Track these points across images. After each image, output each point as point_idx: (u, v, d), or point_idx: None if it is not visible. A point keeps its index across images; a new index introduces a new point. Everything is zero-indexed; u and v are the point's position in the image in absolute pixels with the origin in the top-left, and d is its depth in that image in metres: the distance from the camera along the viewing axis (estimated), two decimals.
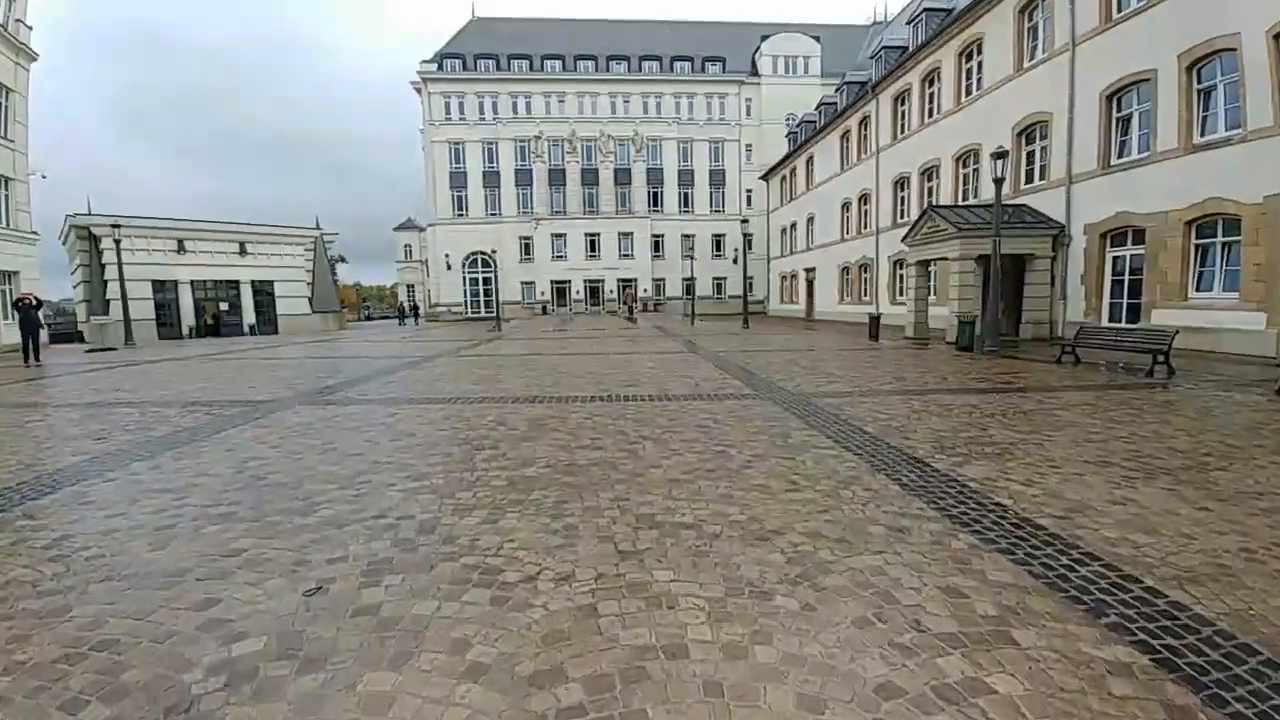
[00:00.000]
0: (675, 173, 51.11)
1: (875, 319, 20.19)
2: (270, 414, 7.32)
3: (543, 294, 49.02)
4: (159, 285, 31.71)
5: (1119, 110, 16.28)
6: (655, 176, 50.84)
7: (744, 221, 27.28)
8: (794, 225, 40.23)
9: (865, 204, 29.50)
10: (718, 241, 51.96)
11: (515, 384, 9.74)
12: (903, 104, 25.95)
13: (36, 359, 16.89)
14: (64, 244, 33.11)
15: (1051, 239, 17.59)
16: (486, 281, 48.21)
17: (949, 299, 17.75)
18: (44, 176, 28.34)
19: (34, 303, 16.88)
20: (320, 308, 37.49)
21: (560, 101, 49.72)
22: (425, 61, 48.84)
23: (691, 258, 42.48)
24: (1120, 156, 16.27)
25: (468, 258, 49.17)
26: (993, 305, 14.62)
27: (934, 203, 22.87)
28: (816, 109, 37.20)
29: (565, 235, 49.15)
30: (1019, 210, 18.29)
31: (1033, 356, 13.30)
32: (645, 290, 49.77)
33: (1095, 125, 16.63)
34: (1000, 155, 14.46)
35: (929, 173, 23.99)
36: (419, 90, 49.36)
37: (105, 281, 29.83)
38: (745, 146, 51.51)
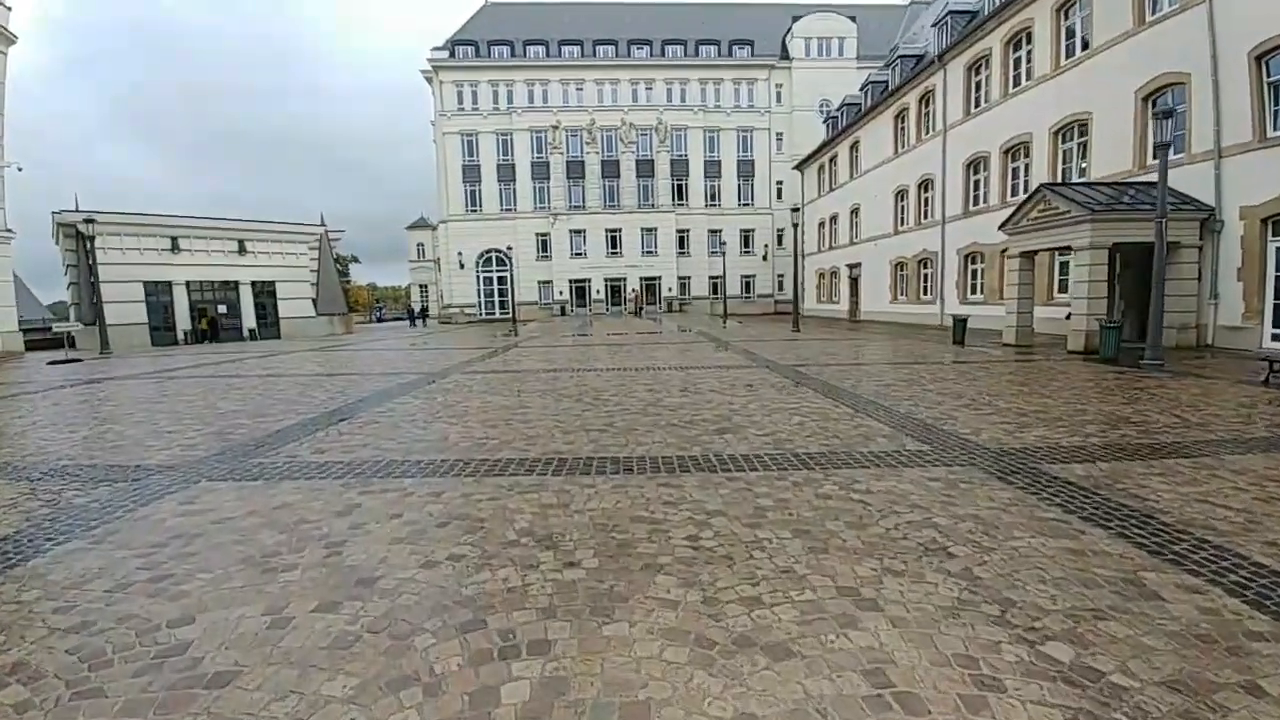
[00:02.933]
0: (701, 163, 47.84)
1: (961, 322, 16.97)
2: (143, 506, 4.30)
3: (561, 294, 46.05)
4: (152, 287, 29.17)
5: (1269, 75, 13.04)
6: (680, 168, 47.61)
7: (795, 210, 24.00)
8: (834, 218, 36.87)
9: (927, 190, 26.11)
10: (746, 237, 48.69)
11: (548, 428, 6.65)
12: (978, 73, 22.56)
13: None
14: (57, 244, 30.81)
15: (1199, 225, 14.25)
16: (501, 281, 45.30)
17: (1075, 297, 14.42)
18: (20, 169, 25.80)
19: None
20: (325, 310, 34.92)
21: (579, 89, 46.66)
22: (436, 49, 46.03)
23: (722, 254, 39.20)
24: (1278, 128, 13.01)
25: (481, 256, 46.28)
26: (1156, 308, 11.31)
27: (1027, 183, 19.53)
28: (861, 89, 33.82)
29: (584, 231, 46.14)
30: (1146, 189, 14.93)
31: (1214, 373, 9.99)
32: (670, 289, 46.66)
33: (1246, 89, 13.36)
34: (1166, 114, 11.15)
35: (1015, 151, 20.59)
36: (430, 80, 46.61)
37: (94, 283, 27.39)
38: (776, 135, 48.14)
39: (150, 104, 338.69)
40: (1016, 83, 20.53)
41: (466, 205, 46.53)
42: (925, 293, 26.50)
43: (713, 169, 48.14)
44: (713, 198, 48.41)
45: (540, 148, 46.52)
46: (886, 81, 30.23)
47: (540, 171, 46.60)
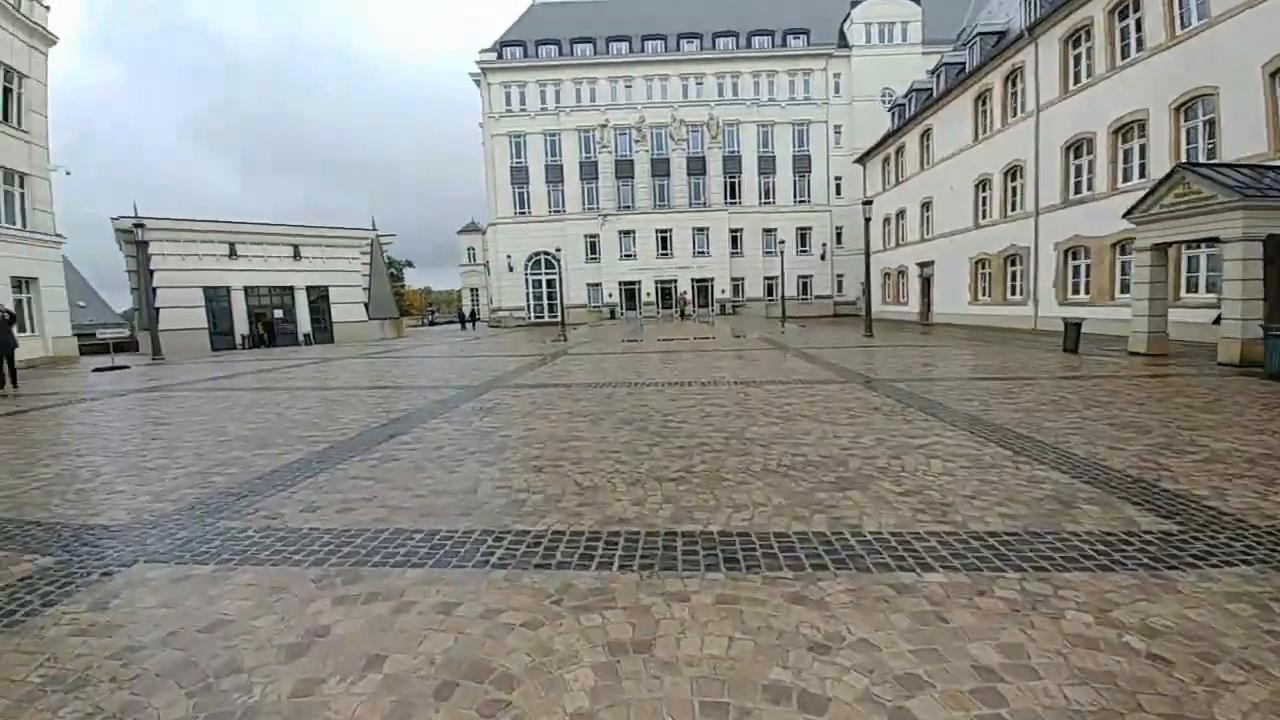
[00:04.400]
0: (754, 160, 45.73)
1: (1075, 327, 14.65)
2: (48, 606, 3.00)
3: (610, 296, 44.77)
4: (211, 292, 29.39)
5: None
6: (732, 164, 45.65)
7: (867, 203, 21.82)
8: (901, 213, 34.29)
9: (1015, 179, 23.52)
10: (803, 236, 46.28)
11: (607, 474, 5.10)
12: (1077, 46, 19.96)
13: (14, 384, 13.79)
14: (120, 250, 31.48)
15: None
16: (550, 284, 44.40)
17: (1227, 299, 11.99)
18: (68, 173, 25.91)
19: (6, 317, 13.74)
20: (377, 314, 34.79)
21: (627, 86, 45.33)
22: (484, 51, 45.57)
23: (779, 254, 37.05)
24: None
25: (530, 258, 45.51)
26: None
27: (1143, 167, 16.95)
28: (932, 73, 31.23)
29: (634, 232, 44.71)
30: None
31: None
32: (723, 291, 44.76)
33: None
34: None
35: (1126, 131, 17.97)
36: (478, 83, 46.18)
37: (154, 289, 27.68)
38: (834, 128, 45.54)
39: (218, 120, 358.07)
40: (1125, 54, 17.93)
41: (515, 207, 45.88)
42: (1014, 293, 23.87)
43: (766, 165, 45.99)
44: (767, 195, 46.26)
45: (588, 147, 45.44)
46: (963, 63, 27.65)
47: (588, 171, 45.52)
